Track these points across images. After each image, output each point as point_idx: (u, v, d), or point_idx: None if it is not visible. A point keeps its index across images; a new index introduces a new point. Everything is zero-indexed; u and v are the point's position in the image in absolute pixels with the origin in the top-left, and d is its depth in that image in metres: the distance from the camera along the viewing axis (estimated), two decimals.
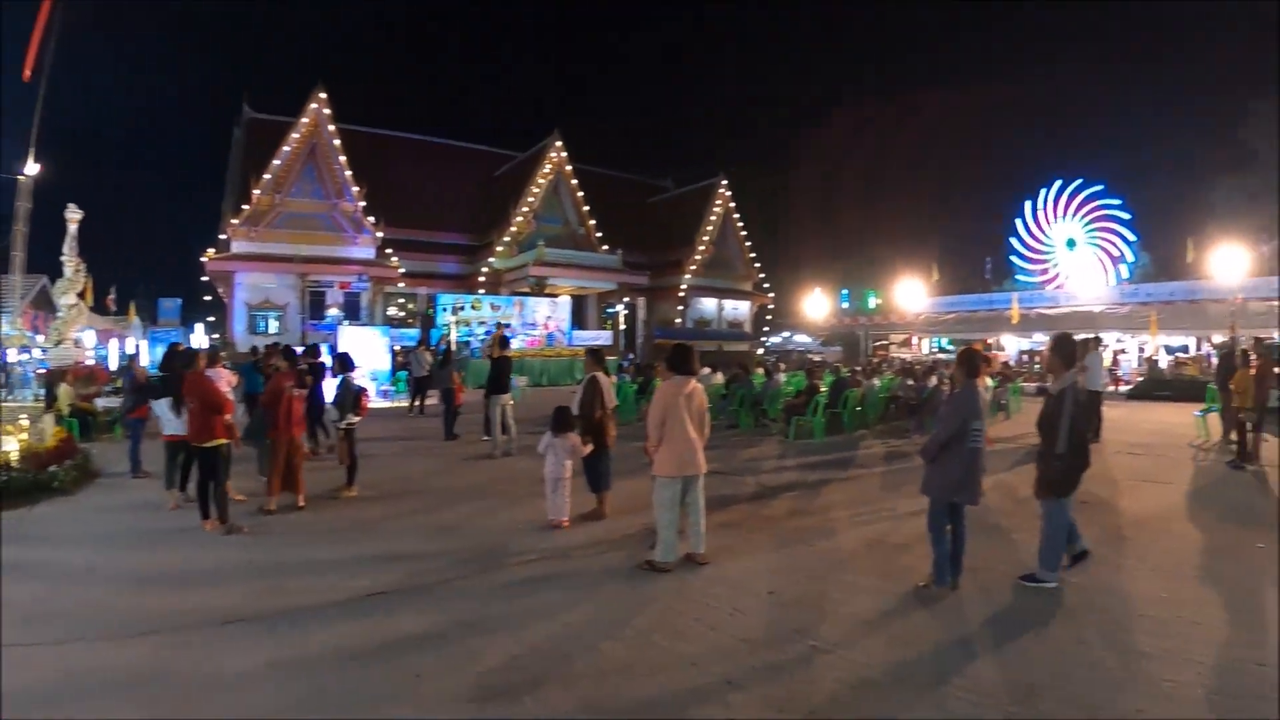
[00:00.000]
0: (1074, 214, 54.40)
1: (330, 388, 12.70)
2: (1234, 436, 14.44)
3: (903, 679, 5.04)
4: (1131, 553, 8.16)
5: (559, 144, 50.46)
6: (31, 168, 27.90)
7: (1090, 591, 6.80)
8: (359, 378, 12.05)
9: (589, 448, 9.41)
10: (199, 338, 42.13)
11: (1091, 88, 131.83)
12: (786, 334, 71.39)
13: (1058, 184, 55.11)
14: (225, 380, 11.20)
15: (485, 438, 15.53)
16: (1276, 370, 14.36)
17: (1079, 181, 54.33)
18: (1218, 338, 37.18)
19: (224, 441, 9.10)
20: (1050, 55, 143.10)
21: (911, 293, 57.21)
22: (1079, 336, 18.62)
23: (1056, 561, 6.95)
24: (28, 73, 28.36)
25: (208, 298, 47.96)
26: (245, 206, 41.91)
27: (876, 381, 20.86)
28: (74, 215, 24.44)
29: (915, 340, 58.14)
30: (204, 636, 5.67)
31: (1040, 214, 56.30)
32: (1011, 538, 8.29)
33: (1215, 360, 19.56)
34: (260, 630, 5.79)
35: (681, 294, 56.73)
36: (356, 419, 11.02)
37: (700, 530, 7.52)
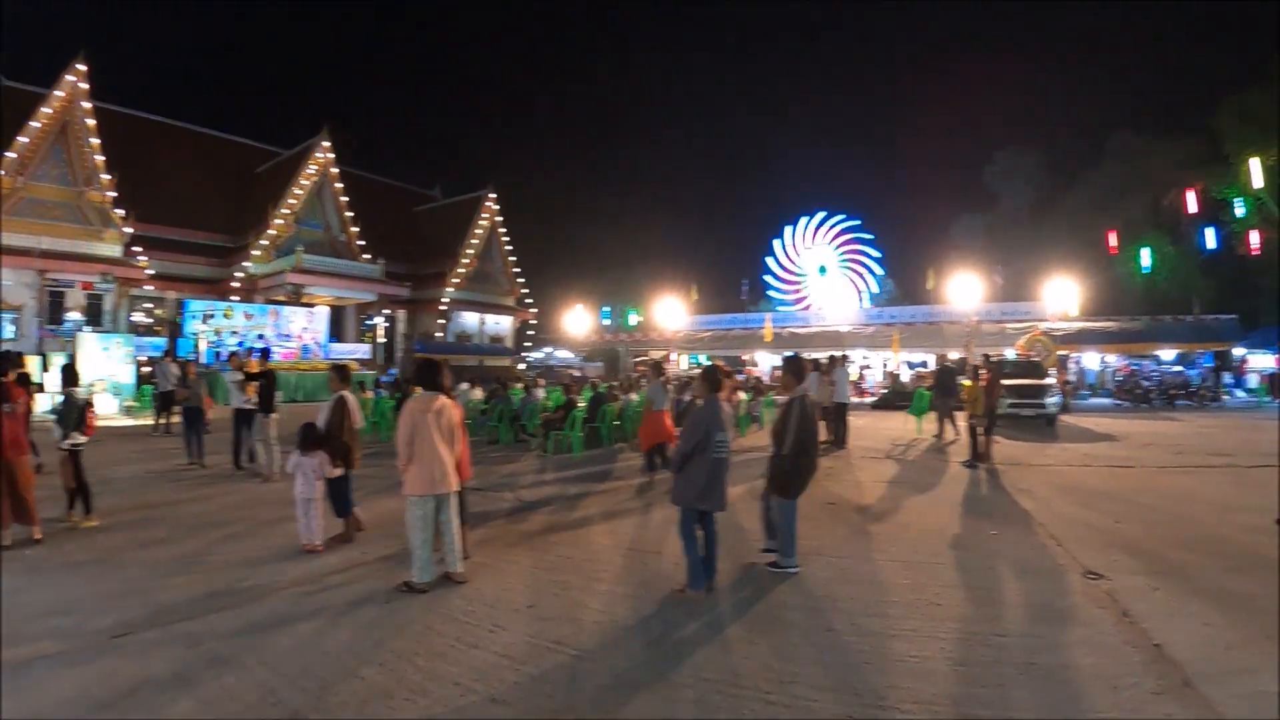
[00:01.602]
0: (828, 242, 57.94)
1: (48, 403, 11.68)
2: (949, 435, 19.07)
3: (664, 679, 5.17)
4: (875, 546, 8.83)
5: (326, 144, 48.59)
6: None
7: (837, 583, 7.29)
8: (92, 392, 11.22)
9: (338, 470, 9.11)
10: None
11: (843, 126, 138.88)
12: (548, 349, 71.96)
13: (821, 215, 58.60)
14: None
15: (243, 467, 14.34)
16: (1002, 382, 16.11)
17: (841, 216, 58.08)
18: (954, 355, 40.40)
19: None
20: (808, 94, 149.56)
21: (671, 311, 58.67)
22: (827, 354, 19.98)
23: (793, 549, 7.71)
24: None
25: None
26: None
27: (634, 396, 21.13)
28: None
29: (674, 356, 59.44)
30: None
31: (796, 240, 59.56)
32: (760, 538, 8.51)
33: (935, 373, 22.43)
34: None
35: (443, 307, 56.14)
36: (83, 439, 10.03)
37: (455, 549, 7.45)
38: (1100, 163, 54.14)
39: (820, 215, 58.97)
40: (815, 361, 19.84)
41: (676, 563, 7.46)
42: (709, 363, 8.71)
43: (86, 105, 38.77)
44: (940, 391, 20.09)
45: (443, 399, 7.50)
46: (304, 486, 8.77)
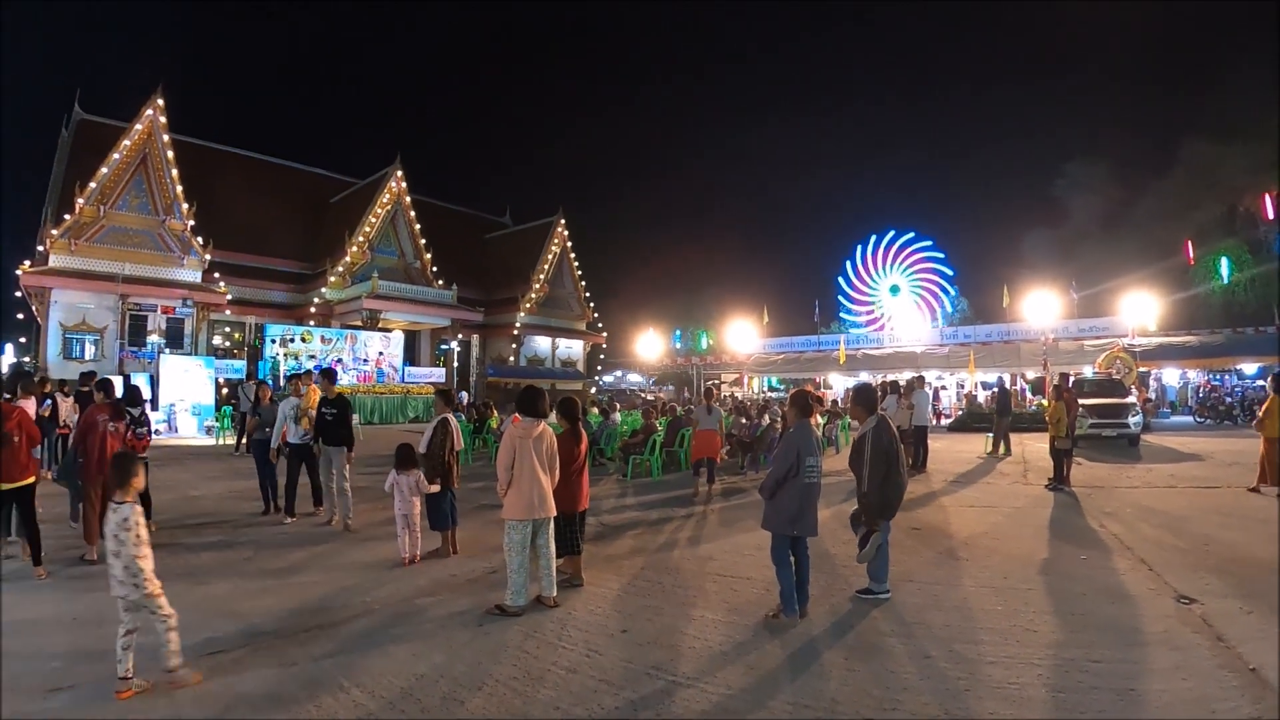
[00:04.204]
0: (898, 263, 57.15)
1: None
2: (1001, 452, 19.66)
3: (763, 706, 5.11)
4: (964, 571, 8.63)
5: (400, 174, 49.78)
6: None
7: (929, 609, 7.15)
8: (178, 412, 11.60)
9: (435, 486, 9.36)
10: (9, 358, 39.47)
11: (914, 143, 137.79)
12: (620, 373, 71.89)
13: (890, 234, 57.84)
14: (31, 412, 10.34)
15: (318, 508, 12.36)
16: (1081, 402, 15.81)
17: (910, 234, 57.40)
18: (1030, 374, 39.74)
19: (34, 480, 8.57)
20: (880, 112, 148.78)
21: (743, 334, 57.95)
22: (905, 376, 19.80)
23: (885, 574, 7.57)
24: None
25: (20, 315, 45.10)
26: (67, 216, 38.51)
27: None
28: None
29: (746, 379, 59.11)
30: (10, 707, 5.14)
31: (867, 261, 58.96)
32: (852, 563, 8.39)
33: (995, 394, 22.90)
34: (86, 697, 5.31)
35: (516, 332, 56.59)
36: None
37: (551, 573, 7.46)
38: (1171, 171, 53.10)
39: (890, 234, 58.27)
40: (894, 383, 19.78)
41: (766, 588, 7.45)
42: (798, 388, 8.71)
43: (165, 138, 40.42)
44: (998, 411, 21.58)
45: (543, 425, 7.56)
46: (402, 503, 9.09)
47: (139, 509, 5.65)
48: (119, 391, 11.52)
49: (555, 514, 7.51)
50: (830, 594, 7.64)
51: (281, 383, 29.01)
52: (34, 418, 9.57)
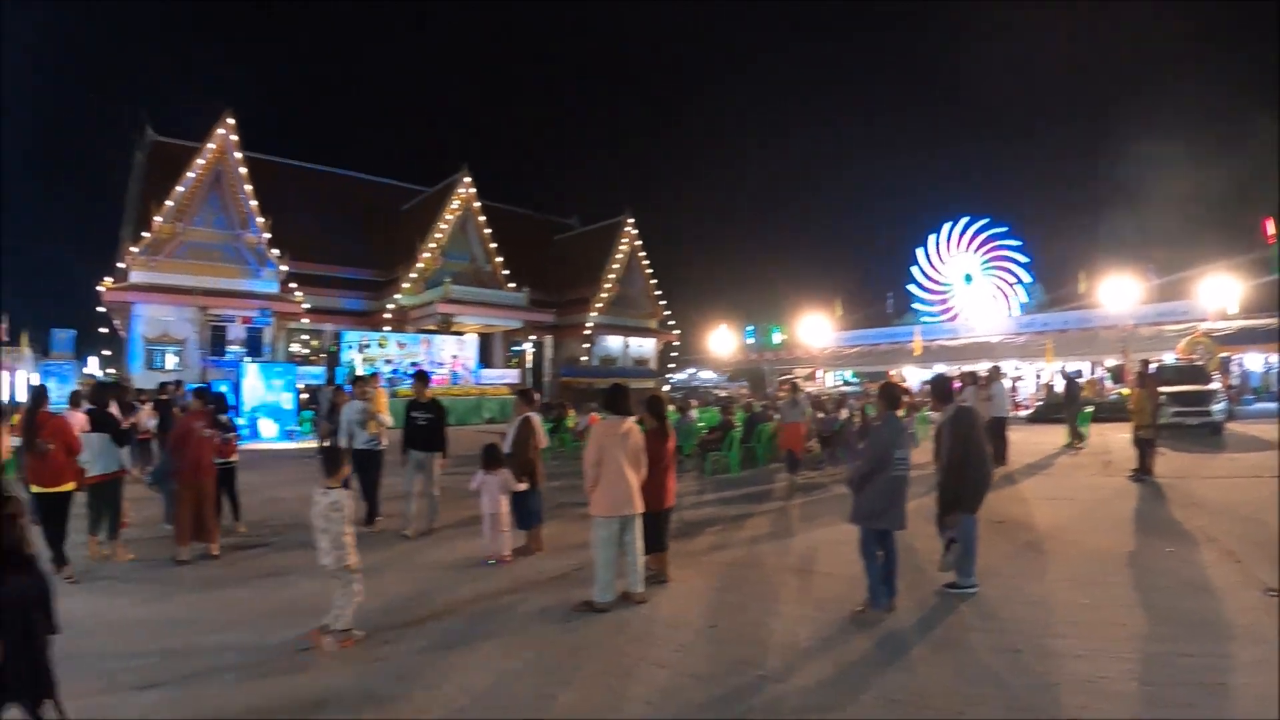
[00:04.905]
0: (971, 250, 55.81)
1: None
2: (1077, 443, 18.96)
3: (853, 700, 5.13)
4: (1049, 565, 8.55)
5: (468, 180, 50.17)
6: None
7: (1015, 604, 7.09)
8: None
9: (522, 484, 9.47)
10: (93, 371, 40.75)
11: (985, 128, 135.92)
12: (692, 370, 71.59)
13: (964, 220, 56.36)
14: (78, 424, 10.21)
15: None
16: (1160, 390, 15.43)
17: (985, 220, 55.79)
18: (1110, 361, 38.83)
19: (74, 487, 9.01)
20: (950, 98, 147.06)
21: (815, 327, 57.59)
22: (984, 366, 19.54)
23: (971, 568, 7.50)
24: None
25: (104, 329, 46.35)
26: (145, 234, 39.89)
27: None
28: None
29: (820, 374, 58.66)
30: (103, 703, 5.26)
31: (940, 249, 57.61)
32: (937, 557, 8.35)
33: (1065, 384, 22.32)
34: (175, 695, 5.43)
35: (587, 332, 56.56)
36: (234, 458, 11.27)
37: (638, 569, 7.50)
38: (1246, 146, 51.59)
39: (963, 221, 56.85)
40: (972, 374, 19.56)
41: (851, 582, 7.41)
42: (885, 380, 8.72)
43: (237, 155, 41.65)
44: (1067, 400, 21.19)
45: (629, 423, 7.64)
46: (489, 502, 9.22)
47: (347, 493, 6.55)
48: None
49: (642, 511, 7.55)
50: (916, 588, 7.59)
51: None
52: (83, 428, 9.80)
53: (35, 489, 8.71)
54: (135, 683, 5.60)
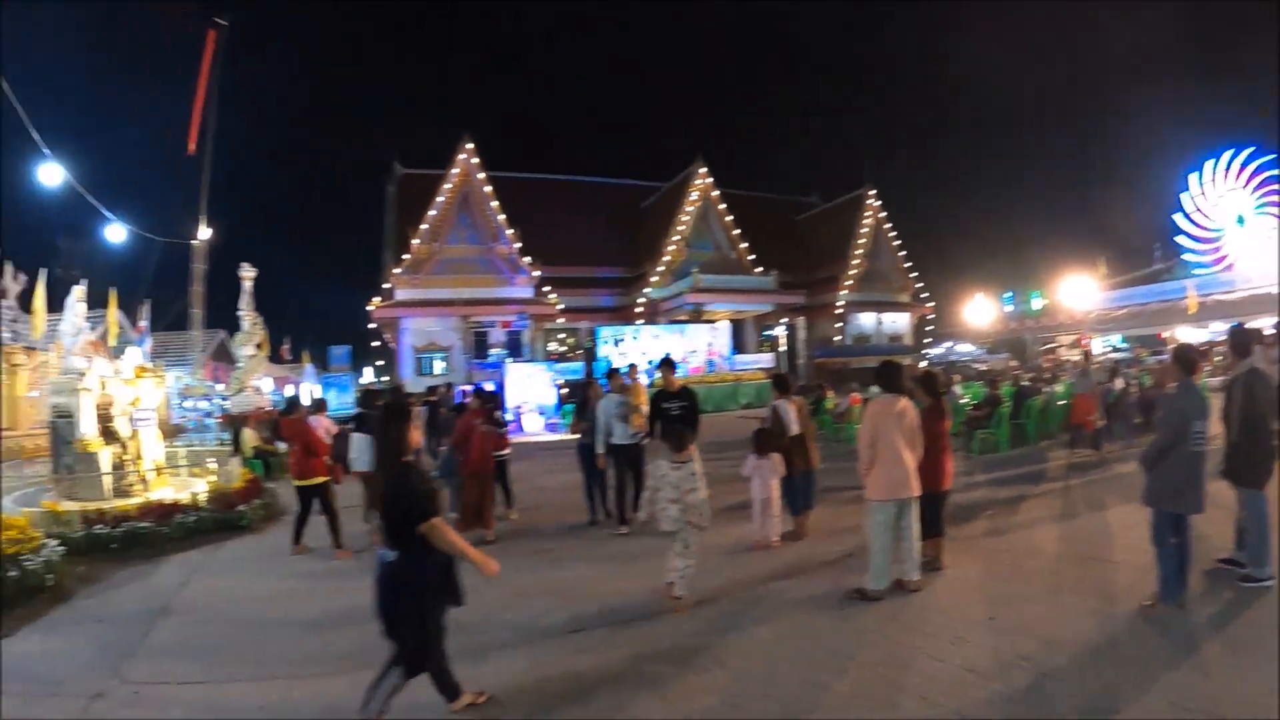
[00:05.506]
0: (1242, 186, 49.43)
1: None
2: None
3: (1138, 704, 4.69)
4: None
5: (703, 170, 50.62)
6: (204, 233, 30.12)
7: None
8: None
9: (781, 471, 9.26)
10: (368, 381, 44.04)
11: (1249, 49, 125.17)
12: (948, 344, 69.23)
13: (1228, 154, 49.88)
14: (324, 427, 11.60)
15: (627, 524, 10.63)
16: None
17: (1252, 149, 48.77)
18: None
19: (324, 480, 10.19)
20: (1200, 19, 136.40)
21: (1078, 289, 54.19)
22: (1269, 322, 17.62)
23: (1266, 555, 6.62)
24: (192, 146, 30.66)
25: (375, 343, 50.01)
26: (405, 256, 43.71)
27: (1058, 388, 19.98)
28: (247, 273, 26.38)
29: (1087, 340, 53.59)
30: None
31: (1207, 189, 51.33)
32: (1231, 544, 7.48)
33: None
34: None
35: (839, 310, 55.61)
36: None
37: (914, 556, 7.13)
38: None
39: (1227, 155, 50.20)
40: (1256, 332, 17.94)
41: (1139, 572, 6.83)
42: (1181, 344, 7.94)
43: (480, 176, 44.78)
44: None
45: (904, 401, 7.29)
46: (761, 487, 9.10)
47: (697, 466, 7.13)
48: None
49: (919, 494, 7.16)
50: (1214, 579, 6.85)
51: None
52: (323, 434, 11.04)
53: (293, 482, 10.22)
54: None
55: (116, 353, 16.87)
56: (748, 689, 5.16)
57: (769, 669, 5.48)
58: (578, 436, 11.77)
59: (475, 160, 44.54)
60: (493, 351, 42.94)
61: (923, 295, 61.31)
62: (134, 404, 13.76)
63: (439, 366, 43.62)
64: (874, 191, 57.65)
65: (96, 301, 17.81)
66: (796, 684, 5.19)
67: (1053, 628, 5.98)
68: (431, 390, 17.92)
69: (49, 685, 5.87)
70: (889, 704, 4.84)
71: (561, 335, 50.72)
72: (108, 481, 12.53)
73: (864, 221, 56.91)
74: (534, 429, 29.34)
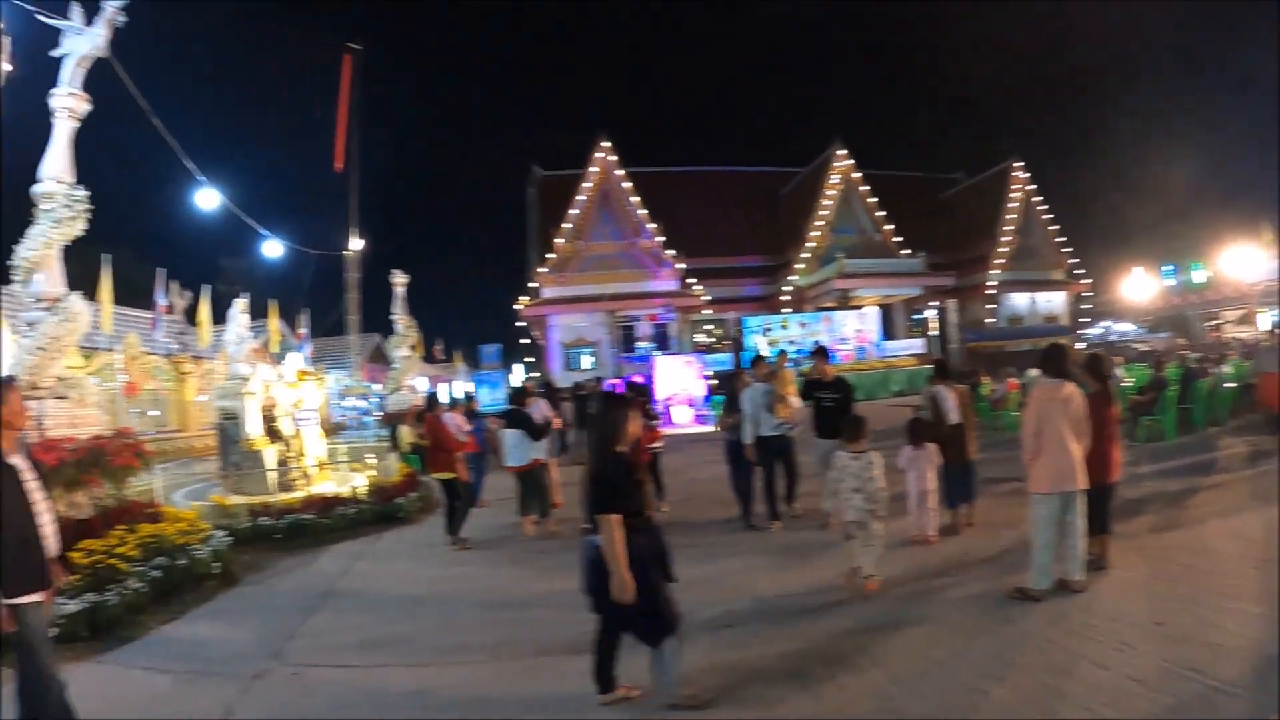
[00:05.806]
0: None
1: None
2: None
3: None
4: None
5: (842, 153, 49.83)
6: (355, 244, 31.46)
7: None
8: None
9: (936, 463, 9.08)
10: (518, 377, 45.30)
11: None
12: (1107, 323, 66.35)
13: None
14: (455, 423, 11.99)
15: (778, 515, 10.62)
16: None
17: None
18: None
19: (453, 475, 10.93)
20: None
21: (1244, 259, 50.11)
22: None
23: None
24: (339, 164, 32.07)
25: (524, 341, 50.93)
26: (550, 255, 44.74)
27: (1225, 368, 19.03)
28: (399, 279, 27.34)
29: (1255, 314, 50.41)
30: (522, 666, 5.69)
31: None
32: None
33: None
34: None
35: (990, 291, 53.58)
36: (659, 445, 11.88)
37: (1079, 554, 6.80)
38: None
39: None
40: None
41: None
42: None
43: (619, 172, 45.37)
44: None
45: (1070, 387, 6.94)
46: (917, 479, 8.93)
47: (876, 455, 7.34)
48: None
49: (1085, 486, 6.81)
50: None
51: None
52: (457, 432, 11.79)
53: (431, 475, 11.20)
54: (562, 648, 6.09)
55: (278, 359, 17.95)
56: (902, 690, 5.10)
57: (925, 670, 5.40)
58: (725, 431, 11.44)
59: (613, 158, 45.13)
60: (640, 344, 43.59)
61: (1077, 271, 58.36)
62: (297, 405, 14.68)
63: (587, 361, 44.36)
64: (1021, 164, 55.29)
65: (258, 312, 18.88)
66: (953, 687, 5.10)
67: (1226, 636, 5.60)
68: (579, 385, 18.28)
69: (213, 664, 6.32)
70: (1049, 713, 4.70)
71: (709, 326, 50.72)
72: (272, 477, 13.70)
73: (1012, 196, 54.52)
74: (683, 421, 29.46)
